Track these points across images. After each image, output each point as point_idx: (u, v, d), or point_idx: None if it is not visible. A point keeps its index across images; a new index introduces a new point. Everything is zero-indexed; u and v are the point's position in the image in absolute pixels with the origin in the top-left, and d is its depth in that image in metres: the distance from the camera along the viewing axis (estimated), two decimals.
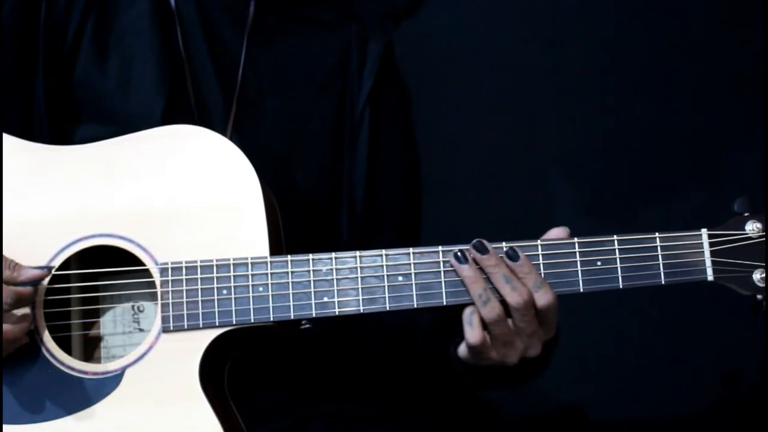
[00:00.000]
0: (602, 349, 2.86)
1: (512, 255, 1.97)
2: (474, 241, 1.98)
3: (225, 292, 1.97)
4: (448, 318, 2.12)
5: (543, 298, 1.96)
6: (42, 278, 1.94)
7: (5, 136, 2.04)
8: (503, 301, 1.96)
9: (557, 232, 2.01)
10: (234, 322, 1.97)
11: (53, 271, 1.97)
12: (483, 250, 1.98)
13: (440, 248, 1.99)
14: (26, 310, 1.95)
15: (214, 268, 1.98)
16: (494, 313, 1.96)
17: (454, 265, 1.98)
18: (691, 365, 2.84)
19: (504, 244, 1.98)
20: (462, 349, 2.03)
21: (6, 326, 1.90)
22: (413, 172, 2.41)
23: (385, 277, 1.98)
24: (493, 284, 1.97)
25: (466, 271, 1.97)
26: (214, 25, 2.25)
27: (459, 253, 1.98)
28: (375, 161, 2.31)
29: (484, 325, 1.97)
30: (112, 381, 1.96)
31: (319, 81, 2.31)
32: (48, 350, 1.97)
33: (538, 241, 1.99)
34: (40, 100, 2.18)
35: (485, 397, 2.42)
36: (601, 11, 2.85)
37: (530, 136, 2.88)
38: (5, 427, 1.94)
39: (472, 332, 1.97)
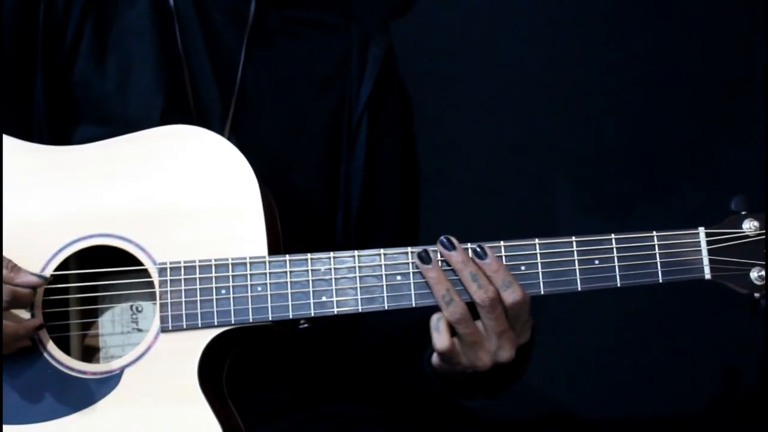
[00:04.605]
0: (600, 349, 2.85)
1: (480, 254, 1.96)
2: (441, 237, 1.97)
3: (223, 291, 1.97)
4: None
5: (511, 296, 1.94)
6: (38, 286, 1.94)
7: (5, 136, 2.04)
8: (470, 303, 1.95)
9: None
10: (233, 322, 1.97)
11: (50, 277, 1.97)
12: (450, 247, 1.97)
13: None
14: (33, 318, 1.96)
15: (213, 267, 1.98)
16: (458, 313, 1.94)
17: (419, 266, 1.97)
18: (689, 364, 2.83)
19: (502, 243, 1.98)
20: (434, 358, 2.01)
21: (6, 323, 1.91)
22: (411, 176, 2.40)
23: (384, 276, 1.98)
24: (460, 283, 1.96)
25: (430, 272, 1.96)
26: (214, 25, 2.25)
27: (423, 254, 1.97)
28: (372, 165, 2.30)
29: (452, 329, 1.96)
30: (111, 381, 1.96)
31: (318, 83, 2.31)
32: (47, 350, 1.98)
33: (536, 240, 1.99)
34: (39, 101, 2.18)
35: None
36: (600, 11, 2.85)
37: (530, 137, 2.88)
38: (4, 427, 1.95)
39: (440, 338, 1.95)
